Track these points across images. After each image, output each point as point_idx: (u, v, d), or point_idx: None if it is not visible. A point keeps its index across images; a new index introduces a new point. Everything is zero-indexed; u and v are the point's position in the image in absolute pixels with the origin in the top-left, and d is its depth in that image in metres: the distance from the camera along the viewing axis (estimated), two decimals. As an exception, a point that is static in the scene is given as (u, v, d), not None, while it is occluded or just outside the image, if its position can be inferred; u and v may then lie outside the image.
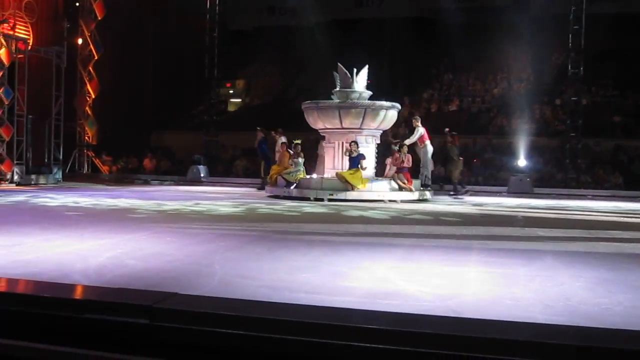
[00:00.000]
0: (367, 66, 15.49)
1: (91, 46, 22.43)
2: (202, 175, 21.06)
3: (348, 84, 15.24)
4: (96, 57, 22.56)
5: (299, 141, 15.36)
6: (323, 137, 16.12)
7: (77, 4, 21.98)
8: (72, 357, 2.95)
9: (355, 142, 14.33)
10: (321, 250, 6.48)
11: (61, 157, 20.11)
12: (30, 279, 4.29)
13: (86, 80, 22.58)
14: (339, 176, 14.03)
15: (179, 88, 26.27)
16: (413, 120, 16.46)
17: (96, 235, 7.18)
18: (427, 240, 7.62)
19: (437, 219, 10.49)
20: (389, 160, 15.67)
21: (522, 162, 19.89)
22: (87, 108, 22.86)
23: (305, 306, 3.58)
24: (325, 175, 15.27)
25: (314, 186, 14.33)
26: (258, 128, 18.21)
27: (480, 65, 28.65)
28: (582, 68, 20.95)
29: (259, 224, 9.14)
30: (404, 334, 2.87)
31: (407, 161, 15.07)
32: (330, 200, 13.39)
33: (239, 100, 31.90)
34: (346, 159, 14.66)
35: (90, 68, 22.58)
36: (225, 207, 11.48)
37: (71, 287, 4.01)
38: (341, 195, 13.66)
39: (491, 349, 2.70)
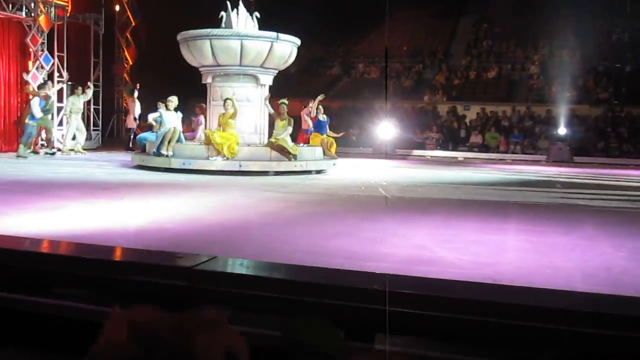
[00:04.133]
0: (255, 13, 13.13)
1: (128, 13, 22.53)
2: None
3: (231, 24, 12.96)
4: (133, 24, 22.67)
5: (285, 100, 12.22)
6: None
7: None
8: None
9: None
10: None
11: (100, 123, 20.37)
12: (73, 241, 4.37)
13: (124, 47, 22.74)
14: (276, 145, 11.64)
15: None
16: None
17: (134, 199, 7.28)
18: (463, 208, 7.56)
19: (468, 187, 10.37)
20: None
21: (562, 130, 19.56)
22: (125, 75, 23.06)
23: (341, 270, 3.58)
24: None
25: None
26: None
27: (520, 32, 28.05)
28: (626, 34, 20.38)
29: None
30: (438, 299, 2.85)
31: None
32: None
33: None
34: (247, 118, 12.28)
35: (128, 34, 22.71)
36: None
37: (112, 249, 4.07)
38: (281, 168, 11.45)
39: (528, 316, 2.67)
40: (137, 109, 18.96)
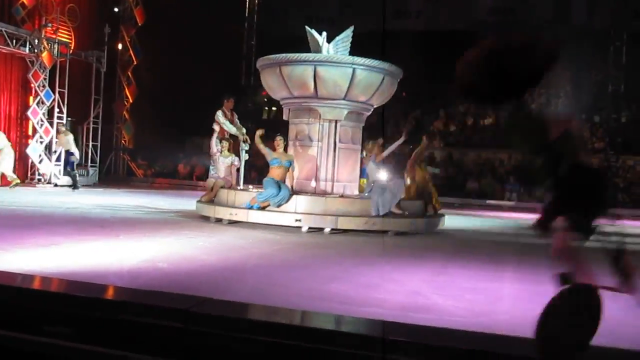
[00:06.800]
0: (350, 29, 11.07)
1: (131, 51, 22.80)
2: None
3: (317, 49, 10.75)
4: (135, 62, 22.94)
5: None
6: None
7: (117, 10, 22.36)
8: (104, 357, 2.97)
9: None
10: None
11: (98, 159, 20.41)
12: (65, 278, 4.34)
13: (125, 85, 22.96)
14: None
15: (215, 95, 26.45)
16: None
17: (131, 238, 7.24)
18: (458, 254, 7.55)
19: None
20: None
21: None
22: (124, 112, 23.22)
23: (339, 315, 3.56)
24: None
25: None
26: None
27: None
28: (622, 85, 20.69)
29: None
30: (436, 348, 2.83)
31: None
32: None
33: (275, 109, 32.05)
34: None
35: (129, 73, 22.96)
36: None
37: (106, 288, 4.04)
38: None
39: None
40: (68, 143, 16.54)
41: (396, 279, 5.46)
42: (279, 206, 9.24)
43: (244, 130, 11.42)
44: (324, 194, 10.07)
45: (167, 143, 24.18)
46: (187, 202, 12.89)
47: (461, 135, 25.64)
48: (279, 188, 9.31)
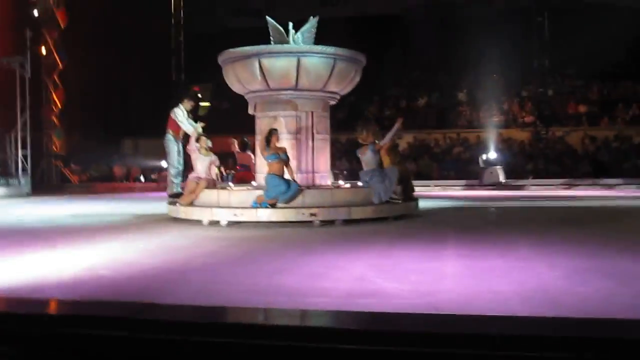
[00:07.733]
0: (315, 19, 10.83)
1: (55, 55, 22.15)
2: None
3: (283, 40, 10.54)
4: (60, 66, 22.31)
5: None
6: None
7: (36, 13, 21.67)
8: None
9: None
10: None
11: (29, 168, 19.78)
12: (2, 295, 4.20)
13: (52, 90, 22.31)
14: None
15: (146, 93, 26.05)
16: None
17: (70, 247, 7.05)
18: (401, 237, 7.65)
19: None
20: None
21: (492, 154, 20.12)
22: (53, 118, 22.57)
23: (279, 310, 3.56)
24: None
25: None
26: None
27: (447, 61, 28.85)
28: (547, 59, 21.31)
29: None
30: (383, 333, 2.86)
31: None
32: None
33: (208, 104, 31.69)
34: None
35: (55, 77, 22.32)
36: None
37: (45, 302, 3.93)
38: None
39: (472, 344, 2.70)
40: None
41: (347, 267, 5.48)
42: (287, 202, 8.99)
43: (200, 129, 11.09)
44: (318, 186, 10.13)
45: (100, 146, 23.70)
46: (147, 206, 12.77)
47: (396, 118, 25.86)
48: (288, 183, 9.01)
